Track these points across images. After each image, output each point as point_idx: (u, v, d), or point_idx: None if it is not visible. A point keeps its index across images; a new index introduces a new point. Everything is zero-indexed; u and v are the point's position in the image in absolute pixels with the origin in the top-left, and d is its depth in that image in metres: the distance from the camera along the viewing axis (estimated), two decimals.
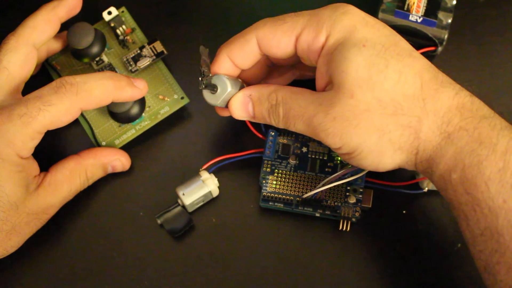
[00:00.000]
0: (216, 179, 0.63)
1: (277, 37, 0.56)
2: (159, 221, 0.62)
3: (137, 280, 0.63)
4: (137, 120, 0.65)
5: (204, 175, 0.63)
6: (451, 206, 0.52)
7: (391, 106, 0.51)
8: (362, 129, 0.51)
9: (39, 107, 0.56)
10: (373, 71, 0.51)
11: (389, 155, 0.52)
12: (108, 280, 0.63)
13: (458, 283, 0.62)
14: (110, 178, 0.65)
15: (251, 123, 0.64)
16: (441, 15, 0.65)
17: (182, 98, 0.66)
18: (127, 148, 0.65)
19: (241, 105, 0.58)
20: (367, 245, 0.63)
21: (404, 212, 0.64)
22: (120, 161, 0.64)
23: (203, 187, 0.62)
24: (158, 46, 0.67)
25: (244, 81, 0.60)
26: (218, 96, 0.57)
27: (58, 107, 0.57)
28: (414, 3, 0.65)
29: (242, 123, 0.63)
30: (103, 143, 0.66)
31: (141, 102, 0.64)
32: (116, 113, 0.63)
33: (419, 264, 0.62)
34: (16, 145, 0.56)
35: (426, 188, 0.62)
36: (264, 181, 0.63)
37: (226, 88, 0.57)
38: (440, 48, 0.65)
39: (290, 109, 0.55)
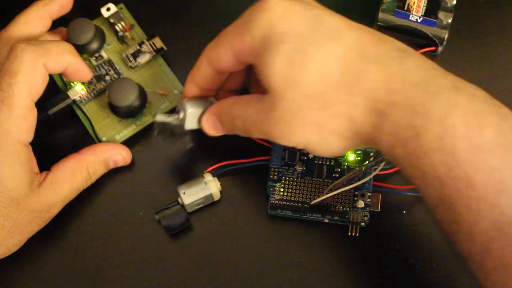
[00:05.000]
0: (219, 183, 0.63)
1: (217, 53, 0.56)
2: (156, 217, 0.62)
3: (137, 280, 0.63)
4: (137, 116, 0.65)
5: (208, 177, 0.63)
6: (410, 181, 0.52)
7: (319, 99, 0.50)
8: (301, 128, 0.51)
9: (9, 82, 0.56)
10: (294, 69, 0.50)
11: (336, 144, 0.52)
12: (108, 280, 0.63)
13: (458, 283, 0.62)
14: (109, 178, 0.65)
15: None
16: (441, 15, 0.65)
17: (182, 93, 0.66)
18: (129, 146, 0.65)
19: (211, 125, 0.59)
20: (376, 249, 0.63)
21: (404, 212, 0.64)
22: (120, 155, 0.64)
23: (204, 189, 0.62)
24: (158, 42, 0.67)
25: (232, 88, 0.61)
26: (184, 119, 0.59)
27: (24, 71, 0.57)
28: (414, 3, 0.65)
29: None
30: (104, 139, 0.65)
31: (143, 97, 0.64)
32: (118, 107, 0.63)
33: (419, 264, 0.62)
34: (13, 132, 0.56)
35: None
36: (271, 189, 0.63)
37: (186, 110, 0.59)
38: (440, 48, 0.66)
39: (245, 121, 0.55)
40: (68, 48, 0.61)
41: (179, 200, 0.63)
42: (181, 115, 0.60)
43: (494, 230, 0.45)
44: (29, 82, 0.57)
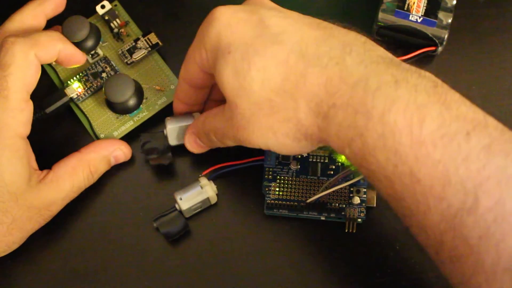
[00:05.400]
0: (215, 186, 0.63)
1: (187, 70, 0.58)
2: (155, 224, 0.62)
3: (138, 280, 0.62)
4: (134, 112, 0.65)
5: (203, 181, 0.63)
6: None
7: (267, 105, 0.51)
8: (258, 133, 0.52)
9: (3, 75, 0.56)
10: (240, 78, 0.51)
11: (294, 145, 0.52)
12: (108, 280, 0.62)
13: None
14: (109, 178, 0.65)
15: None
16: (441, 15, 0.65)
17: None
18: (127, 142, 0.65)
19: (193, 144, 0.62)
20: (373, 246, 0.62)
21: None
22: (121, 150, 0.64)
23: (201, 193, 0.62)
24: (153, 38, 0.67)
25: (221, 99, 0.61)
26: (167, 136, 0.63)
27: (16, 63, 0.57)
28: (414, 3, 0.65)
29: None
30: (102, 136, 0.65)
31: (139, 93, 0.65)
32: (115, 103, 0.64)
33: (419, 265, 0.62)
34: (10, 124, 0.56)
35: None
36: (267, 189, 0.63)
37: (166, 127, 0.63)
38: (440, 48, 0.65)
39: (216, 133, 0.57)
40: (57, 36, 0.61)
41: (177, 206, 0.63)
42: (165, 132, 0.63)
43: (444, 223, 0.45)
44: (22, 73, 0.57)
